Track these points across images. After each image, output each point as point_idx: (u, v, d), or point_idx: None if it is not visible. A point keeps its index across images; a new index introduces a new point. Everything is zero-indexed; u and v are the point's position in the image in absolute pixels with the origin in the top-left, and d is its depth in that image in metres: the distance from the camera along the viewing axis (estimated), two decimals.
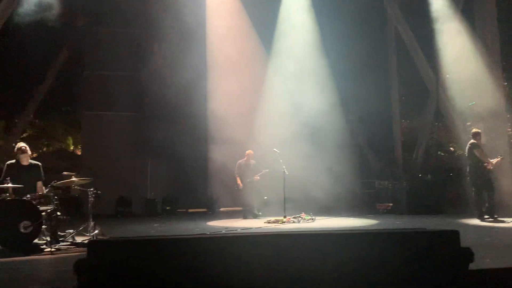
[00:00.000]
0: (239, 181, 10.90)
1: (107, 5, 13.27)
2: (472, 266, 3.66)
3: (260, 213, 10.88)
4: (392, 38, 16.05)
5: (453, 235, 3.73)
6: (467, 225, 8.78)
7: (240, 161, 11.11)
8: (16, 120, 18.11)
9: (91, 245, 3.47)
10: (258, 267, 3.41)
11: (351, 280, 3.52)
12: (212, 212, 12.90)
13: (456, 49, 12.33)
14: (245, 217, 10.75)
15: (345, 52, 15.24)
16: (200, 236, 3.86)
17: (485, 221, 9.10)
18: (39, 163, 7.04)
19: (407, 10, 14.11)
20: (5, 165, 6.77)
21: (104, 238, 6.39)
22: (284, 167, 10.12)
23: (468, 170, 9.61)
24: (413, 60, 14.10)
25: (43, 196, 6.50)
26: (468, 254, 3.63)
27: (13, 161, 6.86)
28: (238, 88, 12.56)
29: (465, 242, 3.74)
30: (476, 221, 9.18)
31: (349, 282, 3.52)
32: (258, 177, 10.85)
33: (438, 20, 12.89)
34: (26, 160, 6.85)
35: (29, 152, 6.97)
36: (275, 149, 10.36)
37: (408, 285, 3.57)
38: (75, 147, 22.47)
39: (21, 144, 6.92)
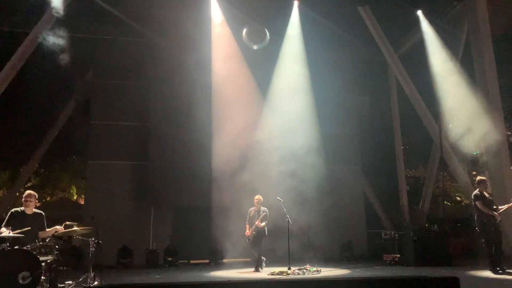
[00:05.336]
0: (247, 230, 10.32)
1: (115, 60, 13.73)
2: None
3: (263, 264, 10.41)
4: (394, 88, 16.36)
5: (453, 282, 3.80)
6: (477, 277, 8.51)
7: (251, 208, 10.55)
8: (21, 170, 18.21)
9: None
10: None
11: None
12: (215, 263, 12.62)
13: (457, 97, 12.45)
14: (257, 269, 10.04)
15: (347, 103, 15.48)
16: (195, 282, 3.87)
17: (497, 274, 8.80)
18: (43, 213, 7.00)
19: (408, 61, 14.41)
20: (10, 213, 6.72)
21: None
22: (288, 216, 9.93)
23: (476, 220, 9.38)
24: (415, 110, 14.21)
25: (44, 246, 6.40)
26: None
27: (18, 209, 6.81)
28: (241, 139, 12.70)
29: None
30: (487, 273, 8.90)
31: None
32: (261, 224, 10.12)
33: (439, 70, 13.13)
34: (31, 209, 6.82)
35: (36, 202, 7.00)
36: (278, 198, 10.20)
37: None
38: (79, 196, 22.43)
39: (32, 192, 6.96)
